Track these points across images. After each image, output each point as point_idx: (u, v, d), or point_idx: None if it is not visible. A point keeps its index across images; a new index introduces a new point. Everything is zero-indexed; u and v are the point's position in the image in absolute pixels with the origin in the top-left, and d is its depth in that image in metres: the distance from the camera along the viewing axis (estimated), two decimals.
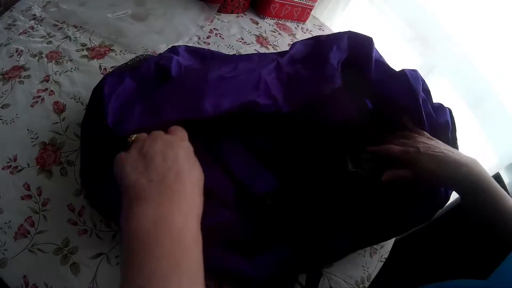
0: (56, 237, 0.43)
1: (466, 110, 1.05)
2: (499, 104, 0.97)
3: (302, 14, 1.00)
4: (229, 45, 0.79)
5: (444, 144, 0.44)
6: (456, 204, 0.77)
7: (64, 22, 0.68)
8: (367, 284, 0.53)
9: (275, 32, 0.92)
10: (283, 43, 0.89)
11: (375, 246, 0.58)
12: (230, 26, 0.86)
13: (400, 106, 0.51)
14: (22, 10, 0.68)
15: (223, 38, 0.81)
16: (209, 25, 0.82)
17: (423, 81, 0.53)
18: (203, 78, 0.44)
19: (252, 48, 0.82)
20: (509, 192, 0.74)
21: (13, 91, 0.54)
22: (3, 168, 0.46)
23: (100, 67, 0.62)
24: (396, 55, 1.29)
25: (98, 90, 0.44)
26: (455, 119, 0.52)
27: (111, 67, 0.62)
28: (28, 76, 0.57)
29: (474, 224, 0.45)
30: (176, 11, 0.81)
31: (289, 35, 0.94)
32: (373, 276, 0.54)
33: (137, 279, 0.24)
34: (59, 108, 0.54)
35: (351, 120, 0.51)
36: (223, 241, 0.45)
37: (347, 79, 0.51)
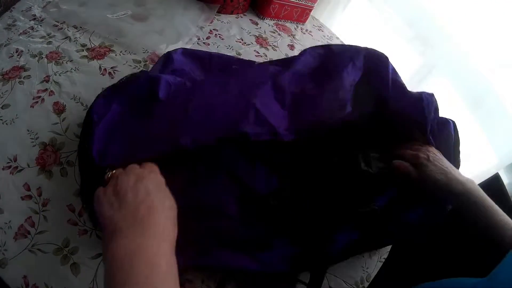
0: (56, 237, 0.43)
1: (466, 110, 1.05)
2: (499, 104, 0.97)
3: (301, 14, 1.00)
4: (229, 45, 0.79)
5: (448, 162, 0.48)
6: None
7: (64, 22, 0.68)
8: (366, 284, 0.53)
9: (274, 32, 0.92)
10: (282, 44, 0.89)
11: None
12: (230, 26, 0.86)
13: (413, 122, 0.51)
14: (22, 11, 0.69)
15: (222, 39, 0.81)
16: (208, 25, 0.82)
17: (436, 102, 0.53)
18: (184, 111, 0.43)
19: (252, 48, 0.82)
20: (509, 192, 0.74)
21: (13, 91, 0.54)
22: (3, 169, 0.47)
23: (100, 67, 0.62)
24: (396, 55, 1.29)
25: (89, 114, 0.45)
26: (459, 133, 0.54)
27: (111, 68, 0.62)
28: (28, 77, 0.57)
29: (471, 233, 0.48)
30: (176, 12, 0.81)
31: (289, 35, 0.94)
32: (372, 276, 0.54)
33: None
34: (59, 109, 0.54)
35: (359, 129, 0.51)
36: (227, 241, 0.45)
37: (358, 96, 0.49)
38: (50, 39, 0.64)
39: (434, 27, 1.12)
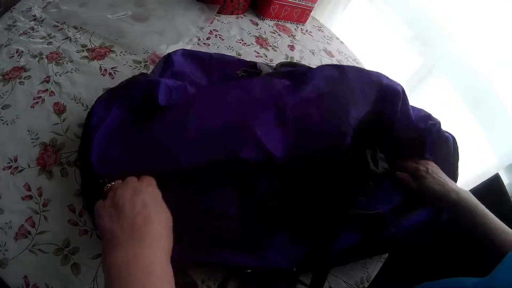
0: (56, 237, 0.43)
1: (466, 110, 1.05)
2: (499, 104, 0.97)
3: (301, 15, 1.00)
4: (229, 46, 0.80)
5: (445, 175, 0.54)
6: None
7: (65, 23, 0.68)
8: (366, 284, 0.53)
9: (274, 33, 0.92)
10: (282, 44, 0.89)
11: None
12: (230, 27, 0.86)
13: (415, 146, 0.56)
14: (22, 11, 0.69)
15: (223, 39, 0.81)
16: (209, 26, 0.82)
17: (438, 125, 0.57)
18: (184, 131, 0.43)
19: (252, 49, 0.82)
20: (509, 192, 0.74)
21: (13, 91, 0.54)
22: (3, 169, 0.47)
23: (100, 68, 0.62)
24: (396, 55, 1.29)
25: (89, 117, 0.46)
26: (458, 147, 0.58)
27: (112, 68, 0.62)
28: (29, 77, 0.57)
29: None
30: (176, 12, 0.81)
31: (289, 36, 0.95)
32: (372, 276, 0.54)
33: None
34: (59, 109, 0.54)
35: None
36: (227, 241, 0.45)
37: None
38: (51, 40, 0.64)
39: (434, 27, 1.12)
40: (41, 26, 0.66)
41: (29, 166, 0.48)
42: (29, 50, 0.61)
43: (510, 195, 0.74)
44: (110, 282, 0.30)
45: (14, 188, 0.45)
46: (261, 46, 0.85)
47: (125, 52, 0.67)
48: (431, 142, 0.55)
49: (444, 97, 1.12)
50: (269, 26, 0.94)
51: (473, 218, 0.47)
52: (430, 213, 0.53)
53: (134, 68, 0.64)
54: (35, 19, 0.67)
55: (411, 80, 1.27)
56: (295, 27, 1.01)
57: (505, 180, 0.80)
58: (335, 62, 0.95)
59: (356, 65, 1.00)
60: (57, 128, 0.52)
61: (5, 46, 0.61)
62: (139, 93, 0.48)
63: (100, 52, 0.65)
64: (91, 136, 0.43)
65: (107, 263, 0.31)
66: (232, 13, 0.90)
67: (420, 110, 0.60)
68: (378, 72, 0.54)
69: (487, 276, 0.39)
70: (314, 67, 0.78)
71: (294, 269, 0.47)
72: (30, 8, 0.70)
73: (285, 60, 0.84)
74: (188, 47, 0.73)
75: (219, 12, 0.87)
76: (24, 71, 0.58)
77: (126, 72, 0.63)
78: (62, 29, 0.67)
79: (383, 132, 0.53)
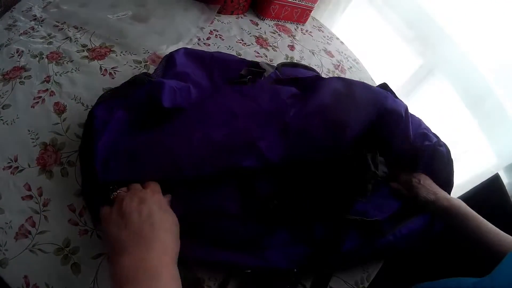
0: (57, 237, 0.43)
1: (466, 110, 1.05)
2: (499, 104, 0.98)
3: (302, 15, 1.00)
4: (229, 46, 0.80)
5: (436, 185, 0.57)
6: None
7: (65, 23, 0.68)
8: (366, 284, 0.53)
9: (274, 33, 0.92)
10: (283, 44, 0.89)
11: None
12: (230, 27, 0.86)
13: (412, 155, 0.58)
14: (22, 11, 0.69)
15: (223, 39, 0.81)
16: (209, 26, 0.82)
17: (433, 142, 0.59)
18: (188, 142, 0.44)
19: (252, 49, 0.82)
20: (509, 192, 0.74)
21: (13, 91, 0.54)
22: (3, 169, 0.47)
23: (100, 68, 0.62)
24: (396, 55, 1.30)
25: (91, 119, 0.46)
26: (452, 159, 0.60)
27: (112, 68, 0.62)
28: (29, 77, 0.57)
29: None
30: (177, 12, 0.81)
31: (289, 36, 0.95)
32: (372, 276, 0.54)
33: None
34: (59, 109, 0.54)
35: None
36: (228, 241, 0.45)
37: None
38: (51, 40, 0.64)
39: (434, 28, 1.12)
40: (41, 26, 0.66)
41: (29, 166, 0.48)
42: (29, 50, 0.61)
43: (510, 195, 0.74)
44: (118, 285, 0.31)
45: (14, 188, 0.45)
46: (261, 46, 0.85)
47: (125, 52, 0.67)
48: (425, 160, 0.58)
49: (444, 97, 1.13)
50: (269, 26, 0.94)
51: (465, 222, 0.50)
52: (426, 220, 0.54)
53: (134, 68, 0.64)
54: (35, 19, 0.67)
55: (411, 81, 1.27)
56: (295, 27, 1.01)
57: (505, 180, 0.80)
58: (335, 62, 0.95)
59: (356, 65, 1.00)
60: (57, 128, 0.52)
61: (5, 46, 0.61)
62: (143, 95, 0.48)
63: (101, 52, 0.65)
64: (95, 140, 0.43)
65: (114, 269, 0.32)
66: (232, 13, 0.90)
67: (419, 123, 0.61)
68: (386, 93, 0.56)
69: (487, 276, 0.39)
70: (314, 67, 0.79)
71: (295, 269, 0.47)
72: (31, 8, 0.70)
73: (285, 60, 0.84)
74: (188, 47, 0.73)
75: (219, 12, 0.87)
76: (24, 71, 0.58)
77: (126, 72, 0.63)
78: (62, 29, 0.67)
79: (380, 147, 0.55)
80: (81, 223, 0.45)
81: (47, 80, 0.57)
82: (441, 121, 1.07)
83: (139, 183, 0.42)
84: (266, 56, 0.82)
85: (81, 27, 0.68)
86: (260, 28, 0.91)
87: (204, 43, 0.77)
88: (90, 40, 0.66)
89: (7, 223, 0.43)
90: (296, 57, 0.88)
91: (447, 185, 0.59)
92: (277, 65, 0.67)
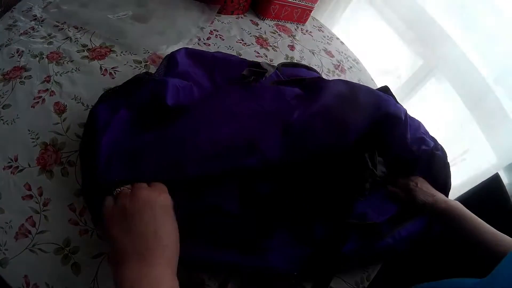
0: (57, 237, 0.43)
1: (466, 110, 1.05)
2: (499, 104, 0.98)
3: (302, 15, 1.00)
4: (229, 46, 0.80)
5: (433, 188, 0.58)
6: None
7: (65, 23, 0.68)
8: (366, 284, 0.53)
9: (275, 33, 0.92)
10: (283, 44, 0.89)
11: None
12: (230, 27, 0.86)
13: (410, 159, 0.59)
14: (22, 11, 0.69)
15: (223, 39, 0.81)
16: (209, 26, 0.82)
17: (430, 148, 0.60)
18: (192, 142, 0.44)
19: (252, 49, 0.82)
20: (509, 192, 0.74)
21: (14, 91, 0.54)
22: (4, 168, 0.47)
23: (100, 68, 0.62)
24: (396, 55, 1.30)
25: (93, 119, 0.45)
26: (448, 163, 0.62)
27: (112, 68, 0.62)
28: (29, 77, 0.57)
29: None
30: (177, 13, 0.81)
31: (289, 36, 0.95)
32: (372, 276, 0.54)
33: None
34: (60, 109, 0.54)
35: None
36: (229, 241, 0.45)
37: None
38: (51, 40, 0.64)
39: (434, 28, 1.12)
40: (41, 26, 0.66)
41: (29, 165, 0.48)
42: (29, 50, 0.61)
43: (510, 195, 0.74)
44: None
45: (14, 188, 0.45)
46: (261, 46, 0.85)
47: (126, 52, 0.67)
48: (422, 165, 0.59)
49: (444, 97, 1.13)
50: (269, 26, 0.94)
51: (463, 224, 0.50)
52: (425, 222, 0.55)
53: (135, 68, 0.64)
54: (35, 19, 0.67)
55: (411, 81, 1.27)
56: (295, 27, 1.01)
57: (505, 180, 0.80)
58: (335, 62, 0.95)
59: (356, 65, 1.00)
60: (57, 127, 0.52)
61: (5, 46, 0.61)
62: (147, 94, 0.48)
63: (101, 52, 0.65)
64: (98, 138, 0.43)
65: (116, 278, 0.32)
66: (232, 13, 0.90)
67: (417, 127, 0.62)
68: (388, 97, 0.56)
69: (487, 276, 0.39)
70: (314, 67, 0.79)
71: (295, 273, 0.47)
72: (31, 8, 0.70)
73: (286, 60, 0.84)
74: (189, 47, 0.73)
75: (219, 12, 0.87)
76: (25, 71, 0.58)
77: (126, 72, 0.63)
78: (62, 29, 0.67)
79: (379, 149, 0.55)
80: (81, 222, 0.45)
81: (47, 80, 0.57)
82: (441, 121, 1.07)
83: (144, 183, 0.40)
84: (266, 56, 0.82)
85: (81, 27, 0.68)
86: (260, 28, 0.91)
87: (204, 43, 0.77)
88: (90, 40, 0.66)
89: (7, 223, 0.43)
90: (296, 57, 0.88)
91: (444, 188, 0.60)
92: (278, 65, 0.67)
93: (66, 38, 0.65)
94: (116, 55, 0.65)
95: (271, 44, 0.87)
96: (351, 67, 0.98)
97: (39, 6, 0.71)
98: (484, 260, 0.46)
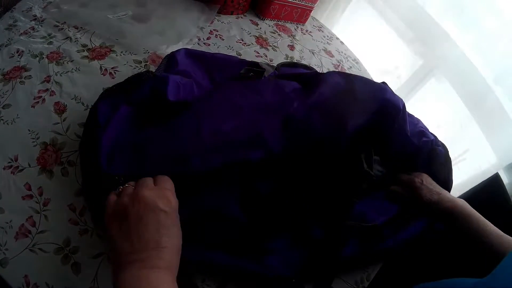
0: (57, 237, 0.43)
1: (466, 110, 1.05)
2: (499, 104, 0.98)
3: (301, 15, 1.00)
4: (229, 46, 0.80)
5: (438, 185, 0.56)
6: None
7: (65, 23, 0.68)
8: (366, 284, 0.53)
9: (274, 33, 0.92)
10: (282, 44, 0.89)
11: None
12: (230, 27, 0.86)
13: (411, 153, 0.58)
14: (22, 11, 0.69)
15: (223, 39, 0.81)
16: (209, 26, 0.82)
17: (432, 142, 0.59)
18: (196, 134, 0.43)
19: (252, 49, 0.82)
20: (509, 192, 0.74)
21: (14, 91, 0.54)
22: (4, 168, 0.47)
23: (100, 67, 0.62)
24: (396, 55, 1.30)
25: (94, 116, 0.45)
26: (450, 159, 0.61)
27: (112, 68, 0.62)
28: (29, 77, 0.57)
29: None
30: (177, 13, 0.81)
31: (289, 36, 0.95)
32: (372, 276, 0.54)
33: None
34: (60, 109, 0.54)
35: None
36: (229, 243, 0.45)
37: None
38: (51, 40, 0.64)
39: (434, 28, 1.13)
40: (41, 26, 0.66)
41: (29, 165, 0.48)
42: (29, 50, 0.61)
43: (510, 194, 0.74)
44: None
45: (14, 188, 0.45)
46: (261, 46, 0.85)
47: (126, 52, 0.67)
48: (423, 158, 0.57)
49: (444, 97, 1.13)
50: (269, 26, 0.94)
51: (469, 223, 0.49)
52: (426, 223, 0.55)
53: (135, 68, 0.64)
54: (35, 19, 0.67)
55: (411, 81, 1.27)
56: (295, 27, 1.01)
57: (505, 179, 0.80)
58: (335, 62, 0.95)
59: (356, 65, 1.01)
60: (57, 127, 0.52)
61: (5, 46, 0.61)
62: (147, 89, 0.48)
63: (101, 52, 0.65)
64: (99, 134, 0.43)
65: (114, 282, 0.32)
66: (232, 13, 0.90)
67: (416, 123, 0.61)
68: (385, 85, 0.55)
69: (487, 276, 0.39)
70: (314, 67, 0.79)
71: (293, 280, 0.46)
72: (31, 8, 0.70)
73: (285, 60, 0.84)
74: (188, 47, 0.73)
75: (219, 12, 0.87)
76: (25, 71, 0.58)
77: (126, 72, 0.63)
78: (62, 29, 0.67)
79: (378, 144, 0.54)
80: (81, 222, 0.45)
81: (47, 80, 0.57)
82: (441, 121, 1.07)
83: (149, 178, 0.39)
84: (266, 56, 0.82)
85: (81, 27, 0.68)
86: (260, 28, 0.91)
87: (204, 43, 0.77)
88: (90, 40, 0.66)
89: (7, 223, 0.43)
90: (296, 57, 0.88)
91: (446, 184, 0.58)
92: (277, 65, 0.67)
93: (66, 38, 0.65)
94: (116, 55, 0.65)
95: (271, 44, 0.87)
96: (351, 67, 0.98)
97: (39, 6, 0.71)
98: (486, 260, 0.46)
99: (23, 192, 0.45)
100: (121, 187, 0.38)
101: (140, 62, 0.66)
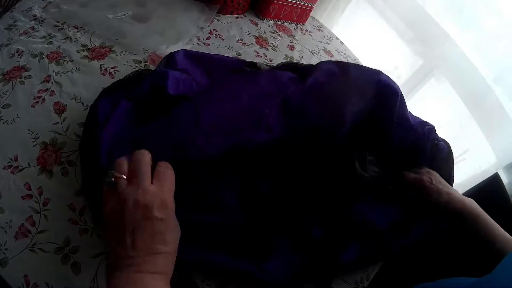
0: (57, 236, 0.43)
1: (466, 110, 1.05)
2: (499, 104, 0.98)
3: (301, 15, 1.00)
4: (229, 46, 0.80)
5: (447, 183, 0.54)
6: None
7: (65, 22, 0.68)
8: (366, 284, 0.53)
9: (274, 33, 0.92)
10: (282, 44, 0.89)
11: None
12: (230, 27, 0.86)
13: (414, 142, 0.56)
14: (22, 11, 0.69)
15: (222, 39, 0.81)
16: (209, 26, 0.82)
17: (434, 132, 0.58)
18: (195, 122, 0.43)
19: (252, 49, 0.82)
20: (509, 192, 0.74)
21: (14, 91, 0.54)
22: (4, 168, 0.47)
23: (100, 67, 0.62)
24: (396, 55, 1.30)
25: (94, 113, 0.45)
26: (452, 154, 0.60)
27: (112, 68, 0.62)
28: (29, 77, 0.57)
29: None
30: (177, 12, 0.81)
31: (289, 36, 0.95)
32: (372, 275, 0.54)
33: None
34: (59, 109, 0.54)
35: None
36: (228, 245, 0.45)
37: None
38: (51, 39, 0.64)
39: (434, 28, 1.13)
40: (41, 26, 0.66)
41: (29, 165, 0.48)
42: (29, 50, 0.61)
43: (510, 194, 0.74)
44: None
45: (14, 187, 0.45)
46: (261, 46, 0.85)
47: (125, 52, 0.67)
48: (429, 149, 0.56)
49: (444, 97, 1.13)
50: (269, 26, 0.94)
51: (477, 224, 0.48)
52: (429, 228, 0.54)
53: (134, 68, 0.64)
54: (35, 19, 0.67)
55: (411, 81, 1.27)
56: (295, 27, 1.01)
57: (505, 179, 0.80)
58: None
59: None
60: (57, 127, 0.52)
61: (5, 46, 0.61)
62: (147, 85, 0.48)
63: (100, 52, 0.65)
64: (99, 131, 0.43)
65: (109, 281, 0.32)
66: (232, 13, 0.90)
67: (416, 118, 0.61)
68: (379, 70, 0.55)
69: (487, 276, 0.39)
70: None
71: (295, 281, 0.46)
72: (31, 8, 0.70)
73: (285, 60, 0.84)
74: (188, 47, 0.73)
75: (219, 12, 0.87)
76: (25, 71, 0.58)
77: (126, 72, 0.62)
78: (62, 29, 0.67)
79: (380, 133, 0.53)
80: (81, 222, 0.45)
81: (47, 80, 0.57)
82: (441, 121, 1.07)
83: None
84: (266, 56, 0.82)
85: (81, 27, 0.68)
86: (260, 28, 0.91)
87: (204, 43, 0.77)
88: (90, 40, 0.67)
89: (7, 223, 0.43)
90: (296, 57, 0.88)
91: (448, 181, 0.57)
92: (277, 65, 0.67)
93: (66, 38, 0.65)
94: (116, 55, 0.65)
95: (271, 44, 0.87)
96: None
97: (39, 6, 0.71)
98: (488, 260, 0.45)
99: (23, 192, 0.45)
100: (113, 178, 0.35)
101: (140, 62, 0.66)
